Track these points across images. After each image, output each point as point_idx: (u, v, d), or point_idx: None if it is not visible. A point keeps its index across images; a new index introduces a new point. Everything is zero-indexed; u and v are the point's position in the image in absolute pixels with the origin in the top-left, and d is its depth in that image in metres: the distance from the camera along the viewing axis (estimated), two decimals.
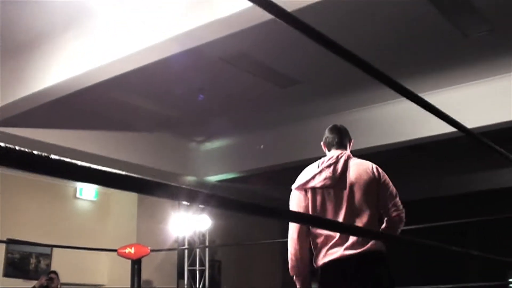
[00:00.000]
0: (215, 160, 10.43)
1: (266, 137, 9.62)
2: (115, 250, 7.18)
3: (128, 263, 8.24)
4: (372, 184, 3.53)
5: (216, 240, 10.92)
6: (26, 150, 1.01)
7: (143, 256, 7.18)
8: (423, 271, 12.19)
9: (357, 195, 3.51)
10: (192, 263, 9.17)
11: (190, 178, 10.20)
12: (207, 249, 9.02)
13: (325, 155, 3.72)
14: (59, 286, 9.26)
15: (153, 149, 9.72)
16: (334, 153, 3.68)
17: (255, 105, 8.76)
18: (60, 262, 9.92)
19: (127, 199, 11.07)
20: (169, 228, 9.24)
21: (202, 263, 9.34)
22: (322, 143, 3.80)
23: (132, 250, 7.08)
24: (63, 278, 9.28)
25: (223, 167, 10.40)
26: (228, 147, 10.37)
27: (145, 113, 8.65)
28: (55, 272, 9.30)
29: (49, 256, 10.05)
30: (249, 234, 12.76)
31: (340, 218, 3.48)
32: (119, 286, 7.34)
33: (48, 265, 9.97)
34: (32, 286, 9.03)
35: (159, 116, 8.87)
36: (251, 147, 9.85)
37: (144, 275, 7.74)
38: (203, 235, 9.37)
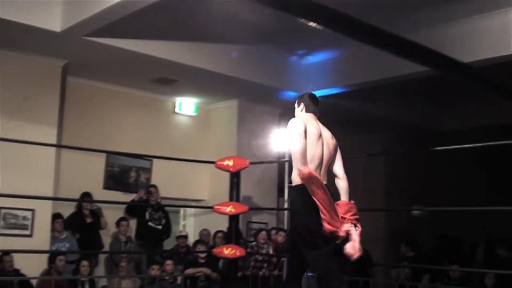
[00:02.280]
0: (316, 74, 10.02)
1: (372, 49, 9.03)
2: (213, 162, 6.93)
3: (226, 178, 8.05)
4: (335, 146, 4.77)
5: None
6: None
7: (242, 169, 6.90)
8: None
9: (331, 149, 4.70)
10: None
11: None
12: None
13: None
14: (158, 200, 9.29)
15: (251, 62, 9.39)
16: (313, 116, 4.78)
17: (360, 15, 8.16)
18: (160, 177, 9.94)
19: (228, 113, 10.89)
20: (270, 143, 8.94)
21: None
22: (302, 104, 4.82)
23: (231, 162, 6.81)
24: (163, 192, 9.28)
25: (325, 82, 9.97)
26: (330, 60, 9.91)
27: (244, 24, 8.24)
28: (154, 186, 9.31)
29: (149, 170, 10.05)
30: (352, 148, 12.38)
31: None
32: (217, 201, 7.13)
33: (148, 179, 9.99)
34: (131, 199, 9.10)
35: (258, 27, 8.44)
36: (355, 61, 9.32)
37: (243, 191, 7.51)
38: None
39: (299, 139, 4.42)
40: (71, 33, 7.36)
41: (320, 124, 4.72)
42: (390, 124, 12.25)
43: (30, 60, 8.18)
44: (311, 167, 4.41)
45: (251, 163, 6.97)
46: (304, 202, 4.40)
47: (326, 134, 4.69)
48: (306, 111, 4.79)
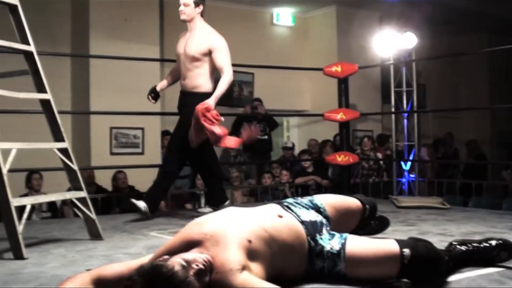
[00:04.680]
0: None
1: None
2: (320, 69, 6.78)
3: (329, 87, 7.94)
4: None
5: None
6: None
7: (350, 74, 6.73)
8: None
9: None
10: (397, 85, 8.61)
11: None
12: (414, 67, 8.34)
13: None
14: (264, 112, 9.27)
15: None
16: None
17: None
18: (262, 89, 9.92)
19: (326, 21, 10.67)
20: (371, 47, 8.66)
21: (408, 85, 8.75)
22: (202, 6, 4.88)
23: (339, 68, 6.64)
24: (266, 104, 9.25)
25: None
26: None
27: None
28: (258, 100, 9.29)
29: (251, 84, 10.07)
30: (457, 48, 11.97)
31: None
32: (322, 111, 7.03)
33: (251, 93, 10.00)
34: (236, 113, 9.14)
35: None
36: None
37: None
38: (409, 54, 8.67)
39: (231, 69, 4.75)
40: None
41: None
42: (497, 22, 11.60)
43: None
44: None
45: (359, 68, 6.76)
46: None
47: None
48: (202, 16, 4.93)
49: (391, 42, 8.31)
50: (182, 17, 4.88)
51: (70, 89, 8.68)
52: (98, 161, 7.91)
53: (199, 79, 4.80)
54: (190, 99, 4.78)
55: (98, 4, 8.25)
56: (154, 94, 5.17)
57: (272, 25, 10.68)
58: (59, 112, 3.78)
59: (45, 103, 3.72)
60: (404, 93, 8.43)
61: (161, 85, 5.23)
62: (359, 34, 10.02)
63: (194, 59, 4.79)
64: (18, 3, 3.66)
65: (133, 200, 4.79)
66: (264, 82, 9.94)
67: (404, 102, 8.41)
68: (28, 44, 3.67)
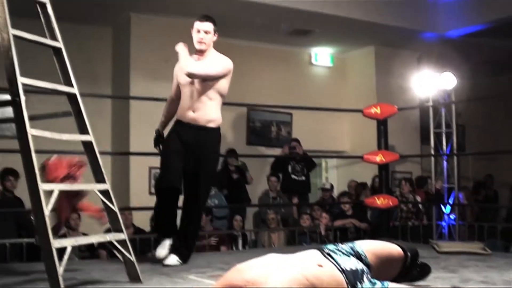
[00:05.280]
0: (456, 12, 9.52)
1: None
2: (359, 111, 6.76)
3: (368, 128, 7.86)
4: None
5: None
6: None
7: (389, 116, 6.69)
8: None
9: None
10: (437, 126, 8.52)
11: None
12: (453, 109, 8.27)
13: None
14: (302, 153, 9.26)
15: (387, 5, 9.08)
16: None
17: None
18: (301, 129, 9.91)
19: (365, 61, 10.68)
20: (410, 88, 8.62)
21: (448, 126, 8.66)
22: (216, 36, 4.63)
23: (378, 110, 6.61)
24: (304, 145, 9.23)
25: (466, 20, 9.45)
26: None
27: None
28: (296, 140, 9.28)
29: (289, 124, 10.08)
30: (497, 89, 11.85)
31: None
32: (360, 152, 6.99)
33: (289, 133, 10.01)
34: (274, 154, 9.15)
35: None
36: None
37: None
38: (448, 95, 8.60)
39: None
40: None
41: None
42: None
43: (172, 22, 8.31)
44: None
45: (399, 109, 6.72)
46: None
47: None
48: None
49: (430, 83, 8.27)
50: (201, 46, 4.57)
51: (111, 128, 8.80)
52: (136, 201, 7.95)
53: (214, 111, 4.56)
54: (207, 134, 4.55)
55: (139, 46, 8.40)
56: (162, 138, 4.85)
57: (310, 65, 10.73)
58: (100, 153, 3.81)
59: (87, 145, 3.76)
60: (444, 134, 8.36)
61: (163, 126, 4.91)
62: (397, 74, 9.99)
63: (209, 88, 4.52)
64: (62, 46, 3.73)
65: (166, 262, 4.48)
66: (303, 122, 9.94)
67: (444, 143, 8.32)
68: (72, 86, 3.72)
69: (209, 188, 4.94)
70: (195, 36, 4.55)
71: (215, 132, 4.57)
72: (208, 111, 4.51)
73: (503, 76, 12.13)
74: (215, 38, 4.60)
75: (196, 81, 4.49)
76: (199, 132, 4.51)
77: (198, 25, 4.54)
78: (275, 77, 10.06)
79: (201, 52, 4.57)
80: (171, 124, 4.82)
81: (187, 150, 4.55)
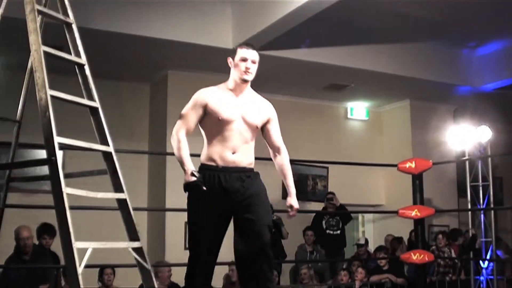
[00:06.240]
0: (491, 65, 9.57)
1: None
2: (394, 165, 6.76)
3: (404, 182, 7.80)
4: None
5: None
6: None
7: (424, 170, 6.67)
8: None
9: None
10: (473, 179, 8.44)
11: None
12: (490, 162, 8.21)
13: None
14: (338, 204, 9.22)
15: (421, 59, 9.15)
16: None
17: None
18: (336, 183, 9.89)
19: (400, 115, 10.70)
20: (446, 141, 8.59)
21: (484, 179, 8.57)
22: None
23: (413, 164, 6.60)
24: (341, 199, 9.20)
25: (501, 73, 9.47)
26: (504, 50, 9.39)
27: (410, 20, 8.01)
28: (332, 193, 9.26)
29: (325, 178, 10.09)
30: None
31: None
32: (397, 206, 6.95)
33: (325, 186, 10.00)
34: (311, 209, 9.12)
35: (425, 23, 8.17)
36: None
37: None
38: (484, 148, 8.54)
39: None
40: None
41: None
42: None
43: (200, 77, 8.45)
44: None
45: (434, 164, 6.69)
46: None
47: None
48: None
49: (466, 136, 8.24)
50: (248, 77, 3.86)
51: (147, 184, 8.91)
52: (172, 257, 7.96)
53: (252, 153, 3.95)
54: (253, 177, 3.91)
55: (175, 101, 8.52)
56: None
57: (346, 119, 10.79)
58: (135, 209, 3.83)
59: (122, 202, 3.81)
60: (480, 188, 8.27)
61: (193, 166, 4.07)
62: (433, 128, 9.98)
63: (255, 129, 3.92)
64: (99, 106, 3.82)
65: None
66: (339, 176, 9.93)
67: (481, 196, 8.22)
68: (107, 145, 3.79)
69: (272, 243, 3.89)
70: (241, 65, 3.82)
71: (259, 176, 3.97)
72: (250, 153, 3.95)
73: None
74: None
75: (245, 121, 3.87)
76: (246, 176, 3.88)
77: (245, 52, 3.84)
78: (311, 130, 10.14)
79: (245, 83, 3.88)
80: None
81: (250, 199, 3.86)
